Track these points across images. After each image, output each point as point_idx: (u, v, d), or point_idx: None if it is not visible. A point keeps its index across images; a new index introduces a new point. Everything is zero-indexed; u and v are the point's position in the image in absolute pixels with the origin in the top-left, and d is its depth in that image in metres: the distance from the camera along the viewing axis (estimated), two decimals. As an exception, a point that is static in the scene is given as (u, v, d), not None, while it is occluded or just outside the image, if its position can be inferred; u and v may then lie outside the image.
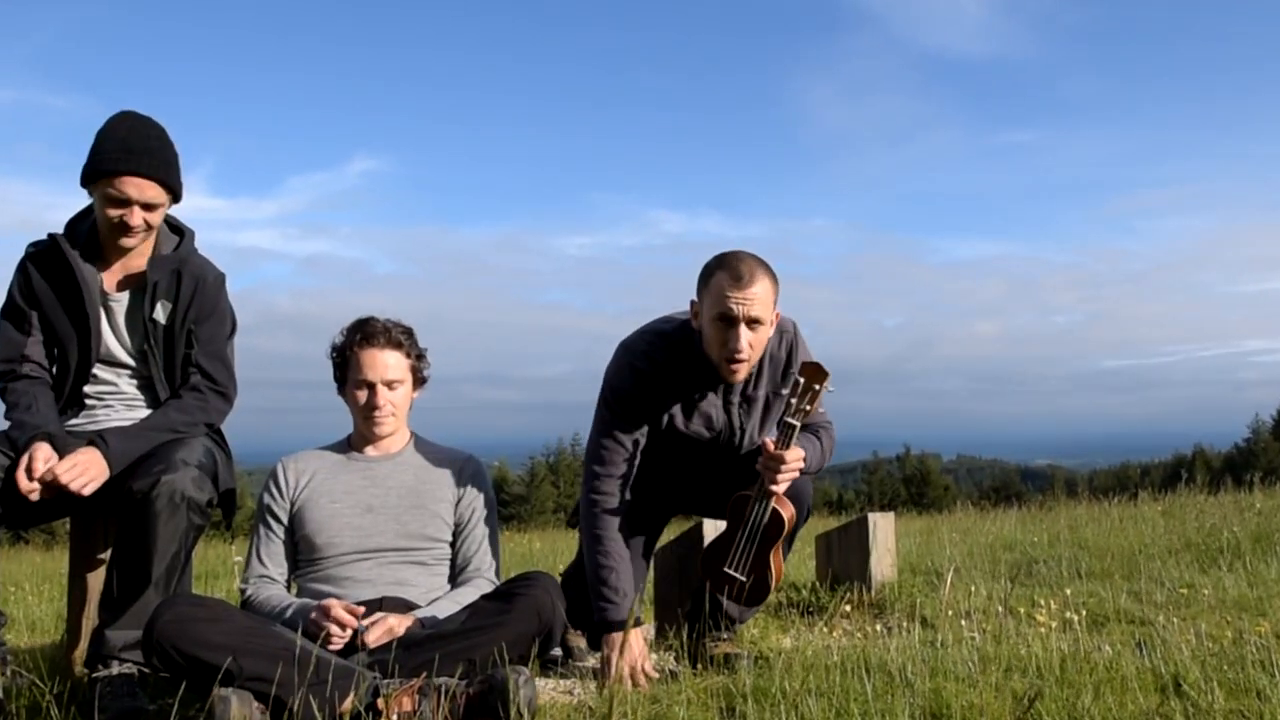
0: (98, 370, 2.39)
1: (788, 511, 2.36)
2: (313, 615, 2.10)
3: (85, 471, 2.14)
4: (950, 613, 3.12)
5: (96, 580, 2.53)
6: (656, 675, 2.32)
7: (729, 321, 2.25)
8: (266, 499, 2.39)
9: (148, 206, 2.29)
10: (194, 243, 2.48)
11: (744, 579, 2.40)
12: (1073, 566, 4.16)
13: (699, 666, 2.45)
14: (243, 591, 2.33)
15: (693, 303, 2.37)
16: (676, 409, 2.43)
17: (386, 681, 1.91)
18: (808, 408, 2.19)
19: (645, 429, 2.44)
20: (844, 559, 3.73)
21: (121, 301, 2.40)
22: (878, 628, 3.03)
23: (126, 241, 2.33)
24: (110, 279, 2.40)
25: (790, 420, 2.20)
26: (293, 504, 2.37)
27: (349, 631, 2.07)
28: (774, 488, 2.29)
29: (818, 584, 3.80)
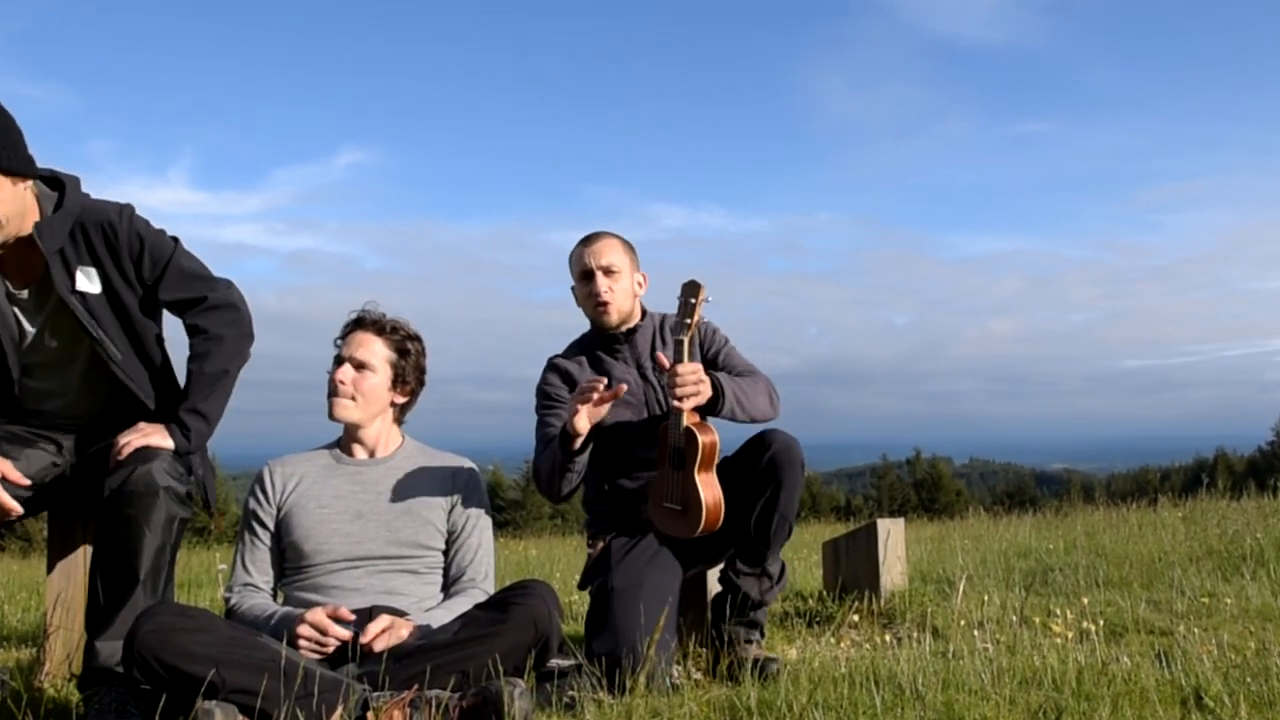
0: (31, 383, 2.30)
1: (706, 436, 2.45)
2: (298, 629, 2.11)
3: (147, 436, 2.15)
4: (963, 623, 3.12)
5: (76, 587, 2.53)
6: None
7: (587, 275, 2.72)
8: (252, 504, 2.39)
9: None
10: (80, 189, 2.27)
11: (678, 508, 2.50)
12: (1090, 575, 4.16)
13: (724, 666, 2.50)
14: (227, 600, 2.33)
15: (572, 289, 2.81)
16: (594, 375, 2.69)
17: (376, 694, 1.91)
18: (689, 320, 2.46)
19: None
20: (852, 567, 3.73)
21: (31, 301, 2.24)
22: (887, 638, 3.03)
23: None
24: (15, 276, 2.22)
25: (675, 336, 2.48)
26: (279, 509, 2.37)
27: (330, 641, 2.08)
28: (676, 402, 2.43)
29: (825, 592, 3.80)
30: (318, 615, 2.10)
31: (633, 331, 2.78)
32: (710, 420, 2.56)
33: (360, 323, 2.44)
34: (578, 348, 2.85)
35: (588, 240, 2.76)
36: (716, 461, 2.48)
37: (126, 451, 2.14)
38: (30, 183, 2.17)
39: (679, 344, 2.47)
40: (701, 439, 2.43)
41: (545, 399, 2.77)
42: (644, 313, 2.84)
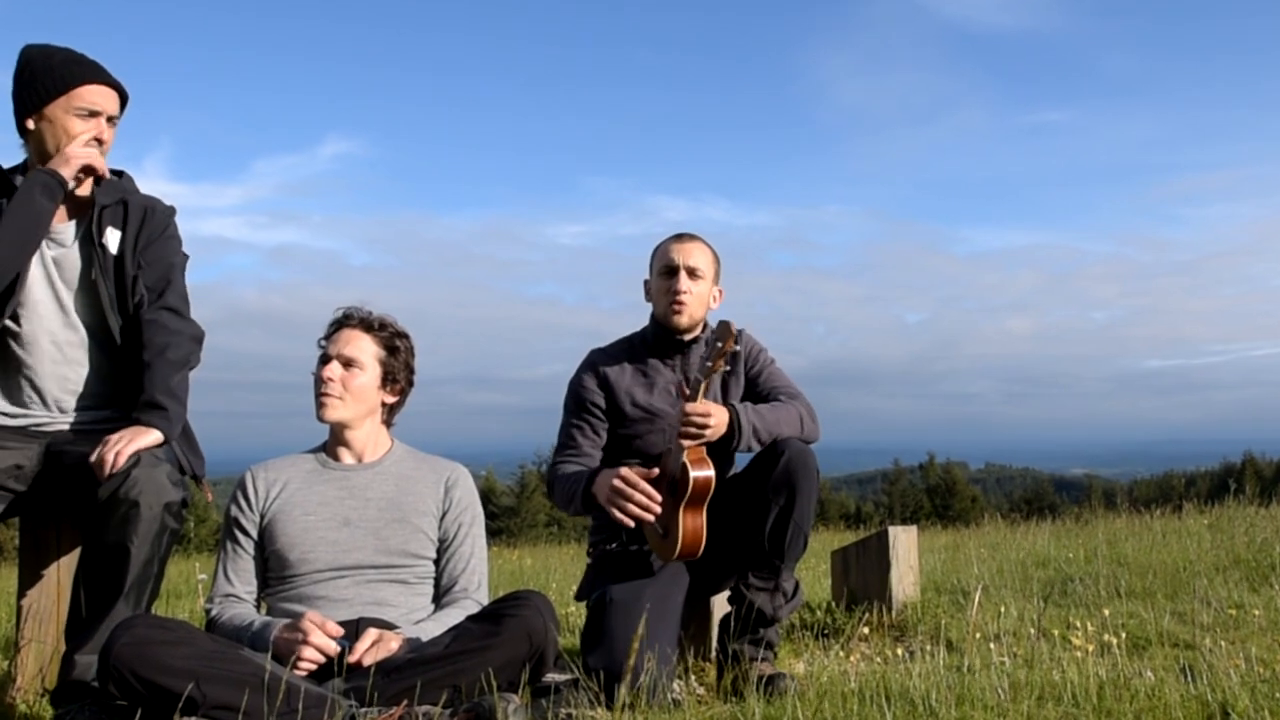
0: (22, 312, 2.40)
1: (699, 473, 2.46)
2: (283, 633, 2.11)
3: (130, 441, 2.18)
4: (978, 635, 3.12)
5: (49, 599, 2.53)
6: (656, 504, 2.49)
7: (671, 271, 2.76)
8: (234, 511, 2.39)
9: (111, 120, 2.40)
10: (135, 184, 2.57)
11: (660, 530, 2.54)
12: (1111, 585, 4.16)
13: (729, 681, 2.51)
14: (208, 612, 2.33)
15: (645, 283, 2.87)
16: (637, 386, 2.78)
17: (364, 710, 1.91)
18: (711, 364, 2.46)
19: (603, 416, 2.78)
20: (862, 576, 3.74)
21: (66, 231, 2.45)
22: (899, 651, 3.03)
23: (98, 164, 2.38)
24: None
25: (696, 375, 2.49)
26: (263, 516, 2.37)
27: (328, 655, 2.08)
28: (682, 440, 2.47)
29: (834, 604, 3.80)
30: (319, 637, 2.08)
31: (690, 343, 2.82)
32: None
33: (347, 320, 2.45)
34: (625, 348, 2.86)
35: (680, 237, 2.82)
36: (708, 499, 2.49)
37: (123, 460, 2.14)
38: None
39: (695, 382, 2.49)
40: (694, 476, 2.45)
41: (577, 404, 2.79)
42: (705, 327, 2.87)
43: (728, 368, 2.57)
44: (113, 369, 2.47)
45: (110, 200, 2.46)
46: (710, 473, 2.48)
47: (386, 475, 2.44)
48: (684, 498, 2.46)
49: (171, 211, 2.58)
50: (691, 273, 2.75)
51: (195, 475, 2.46)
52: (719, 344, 2.43)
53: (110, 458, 2.13)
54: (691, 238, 2.82)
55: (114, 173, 2.54)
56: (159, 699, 1.88)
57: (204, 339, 2.51)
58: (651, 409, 2.76)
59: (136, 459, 2.15)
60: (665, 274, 2.78)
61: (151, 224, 2.50)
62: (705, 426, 2.46)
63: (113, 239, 2.45)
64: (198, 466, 2.48)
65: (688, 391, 2.50)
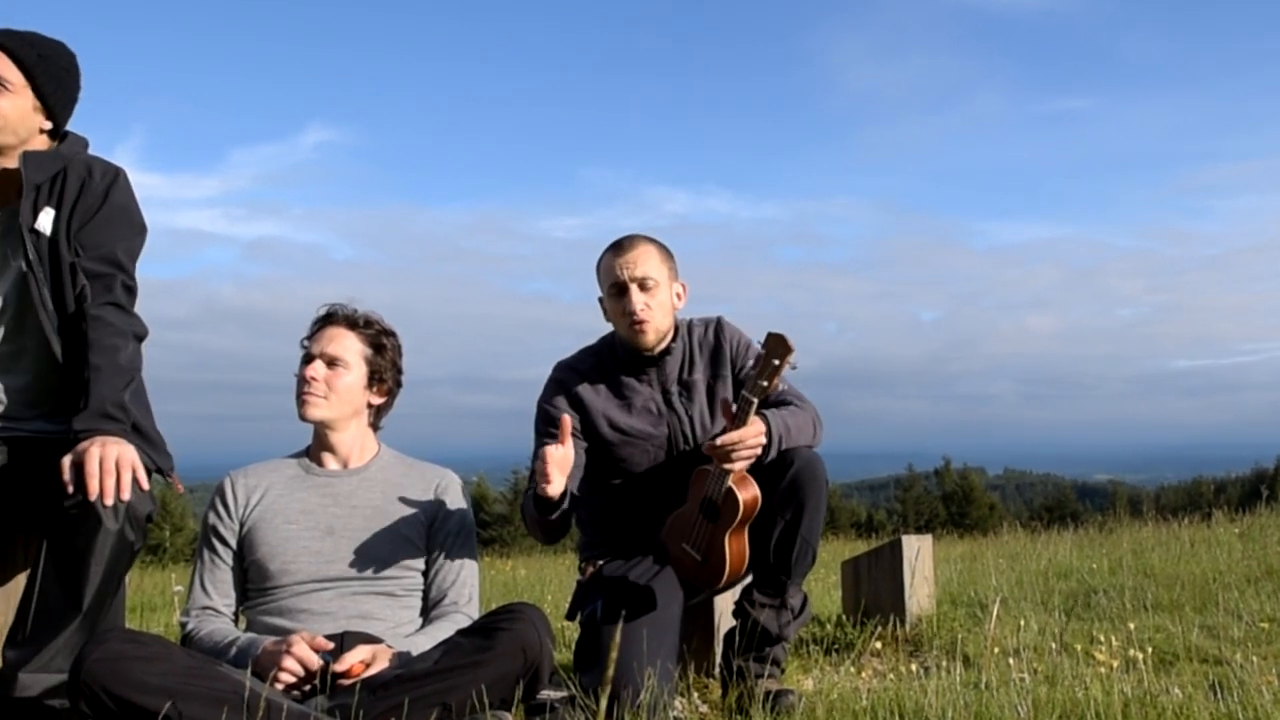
0: None
1: (747, 494, 2.44)
2: (268, 646, 2.11)
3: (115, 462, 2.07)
4: (996, 650, 3.12)
5: (7, 613, 2.51)
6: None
7: (620, 289, 2.64)
8: (212, 519, 2.39)
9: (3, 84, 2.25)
10: (83, 145, 2.44)
11: (698, 558, 2.51)
12: (1137, 597, 4.17)
13: (733, 699, 2.50)
14: (184, 626, 2.33)
15: (600, 300, 2.74)
16: (614, 408, 2.70)
17: (349, 729, 1.91)
18: (766, 384, 2.30)
19: (581, 439, 2.68)
20: (874, 588, 3.74)
21: None
22: (913, 667, 3.03)
23: None
24: None
25: (748, 395, 2.33)
26: (242, 525, 2.37)
27: (310, 669, 2.07)
28: (728, 466, 2.39)
29: (844, 617, 3.80)
30: (302, 649, 2.08)
31: (665, 353, 2.72)
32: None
33: (330, 317, 2.45)
34: (592, 361, 2.78)
35: (619, 247, 2.68)
36: (753, 519, 2.47)
37: (125, 490, 2.06)
38: (42, 117, 2.36)
39: (747, 403, 2.35)
40: (742, 498, 2.42)
41: (546, 422, 2.69)
42: (677, 332, 2.76)
43: (776, 384, 2.40)
44: (52, 371, 2.33)
45: (45, 176, 2.30)
46: (757, 491, 2.44)
47: (373, 482, 2.44)
48: (733, 522, 2.43)
49: (115, 173, 2.38)
50: (642, 284, 2.62)
51: (162, 470, 2.34)
52: (775, 362, 2.29)
53: (111, 487, 2.03)
54: (632, 243, 2.68)
55: (59, 137, 2.41)
56: (133, 718, 1.88)
57: (146, 338, 2.36)
58: (631, 431, 2.69)
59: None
60: (615, 294, 2.66)
61: (90, 194, 2.32)
62: (758, 447, 2.39)
63: (45, 220, 2.29)
64: (163, 462, 2.35)
65: (731, 424, 2.37)
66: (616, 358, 2.75)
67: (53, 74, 2.36)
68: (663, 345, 2.71)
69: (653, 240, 2.71)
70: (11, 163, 2.33)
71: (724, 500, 2.43)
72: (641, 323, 2.62)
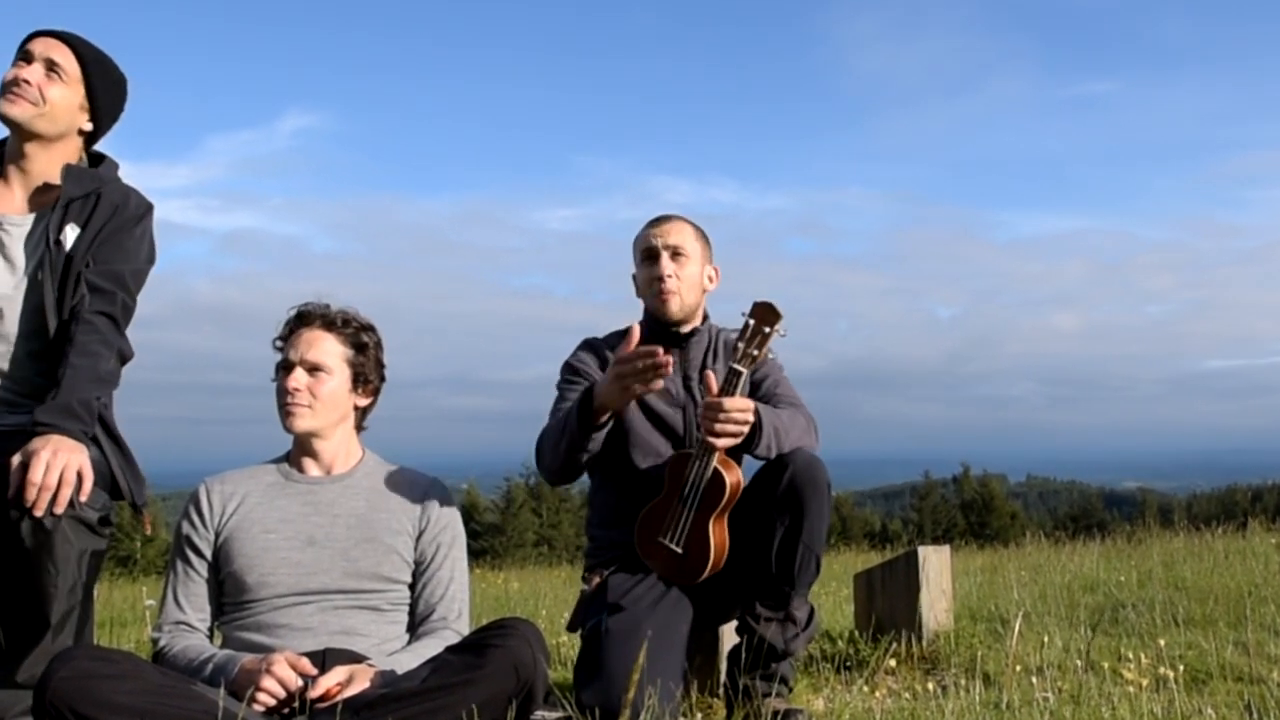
0: None
1: (732, 476, 2.48)
2: (245, 664, 2.11)
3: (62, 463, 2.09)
4: (1018, 668, 3.12)
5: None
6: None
7: (652, 255, 2.80)
8: (185, 529, 2.39)
9: (52, 66, 2.41)
10: (118, 172, 2.58)
11: (678, 550, 2.53)
12: (1168, 612, 4.16)
13: (739, 718, 2.52)
14: (155, 642, 2.33)
15: (633, 276, 2.90)
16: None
17: (331, 752, 1.91)
18: (755, 352, 2.43)
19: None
20: (889, 602, 3.74)
21: (21, 225, 2.42)
22: (930, 686, 3.03)
23: (8, 110, 2.37)
24: (7, 198, 2.44)
25: (735, 365, 2.44)
26: (217, 535, 2.37)
27: (290, 690, 2.07)
28: (712, 439, 2.43)
29: (857, 633, 3.80)
30: (282, 668, 2.08)
31: (689, 335, 2.83)
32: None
33: (304, 319, 2.44)
34: (620, 337, 2.86)
35: (657, 220, 2.86)
36: (734, 506, 2.50)
37: (62, 501, 2.06)
38: (85, 117, 2.51)
39: (734, 373, 2.44)
40: (728, 481, 2.46)
41: (571, 373, 2.83)
42: (705, 317, 2.90)
43: (765, 353, 2.50)
44: (39, 372, 2.39)
45: (81, 192, 2.43)
46: (740, 475, 2.49)
47: (357, 489, 2.44)
48: (718, 506, 2.46)
49: (146, 209, 2.55)
50: (675, 253, 2.78)
51: (135, 504, 2.39)
52: (764, 330, 2.39)
53: (46, 502, 2.04)
54: (670, 217, 2.86)
55: (96, 158, 2.55)
56: (101, 739, 1.88)
57: (129, 360, 2.45)
58: (650, 407, 2.76)
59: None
60: (647, 260, 2.82)
61: (118, 220, 2.46)
62: (746, 422, 2.44)
63: (70, 236, 2.41)
64: (138, 493, 2.39)
65: (716, 385, 2.46)
66: (643, 335, 2.79)
67: (107, 79, 2.53)
68: (691, 324, 2.83)
69: (690, 220, 2.88)
70: (45, 163, 2.47)
71: (709, 483, 2.47)
72: (667, 290, 2.75)
